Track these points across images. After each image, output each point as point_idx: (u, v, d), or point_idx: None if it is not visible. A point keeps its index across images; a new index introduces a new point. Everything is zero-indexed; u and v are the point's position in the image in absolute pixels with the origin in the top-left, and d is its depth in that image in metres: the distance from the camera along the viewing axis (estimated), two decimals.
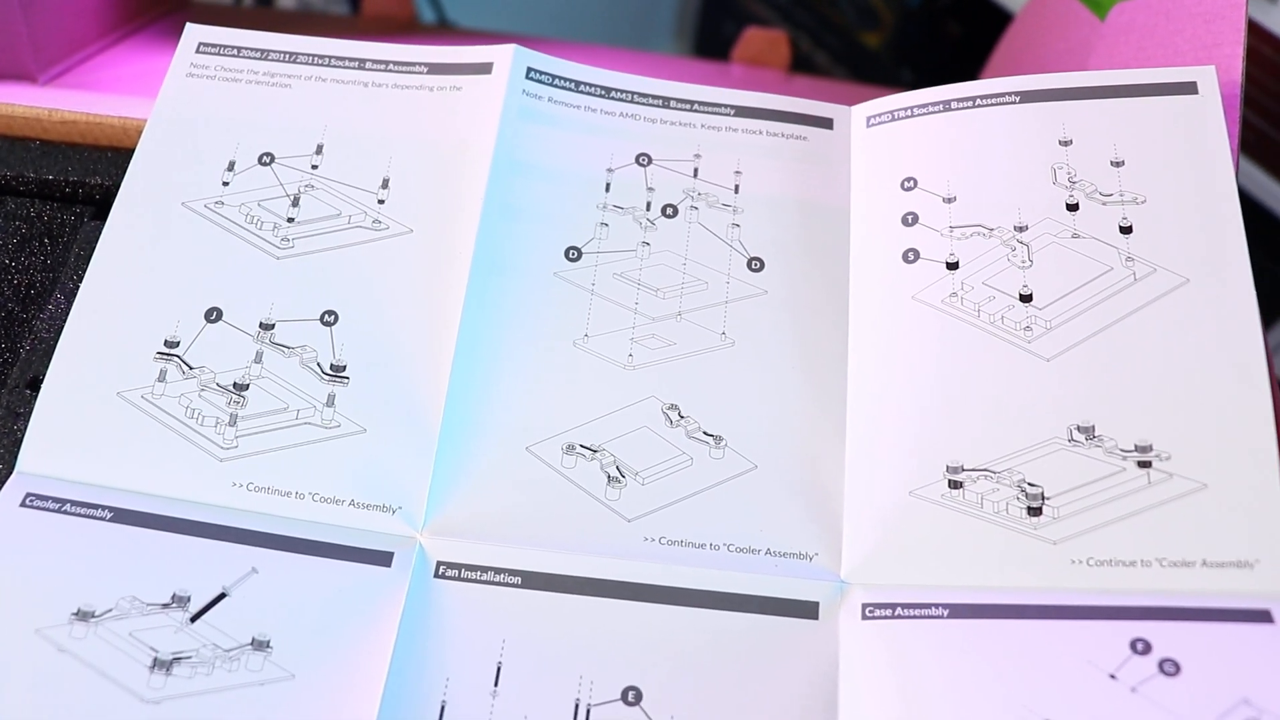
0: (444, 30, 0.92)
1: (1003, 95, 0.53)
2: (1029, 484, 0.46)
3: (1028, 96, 0.53)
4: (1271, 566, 0.43)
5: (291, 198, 0.52)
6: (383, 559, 0.45)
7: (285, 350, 0.49)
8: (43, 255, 0.55)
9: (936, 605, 0.45)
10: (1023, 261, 0.50)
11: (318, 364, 0.48)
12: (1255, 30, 0.85)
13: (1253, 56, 0.87)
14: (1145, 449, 0.45)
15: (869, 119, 0.55)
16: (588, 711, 0.43)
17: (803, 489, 0.47)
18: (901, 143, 0.54)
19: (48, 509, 0.45)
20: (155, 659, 0.43)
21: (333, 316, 0.49)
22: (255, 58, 0.54)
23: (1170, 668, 0.42)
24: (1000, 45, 0.85)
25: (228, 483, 0.46)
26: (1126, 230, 0.49)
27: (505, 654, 0.44)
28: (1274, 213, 0.91)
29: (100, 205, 0.56)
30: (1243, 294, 0.47)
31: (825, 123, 0.55)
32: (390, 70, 0.54)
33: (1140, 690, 0.42)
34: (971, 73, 1.04)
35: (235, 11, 0.88)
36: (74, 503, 0.45)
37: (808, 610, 0.45)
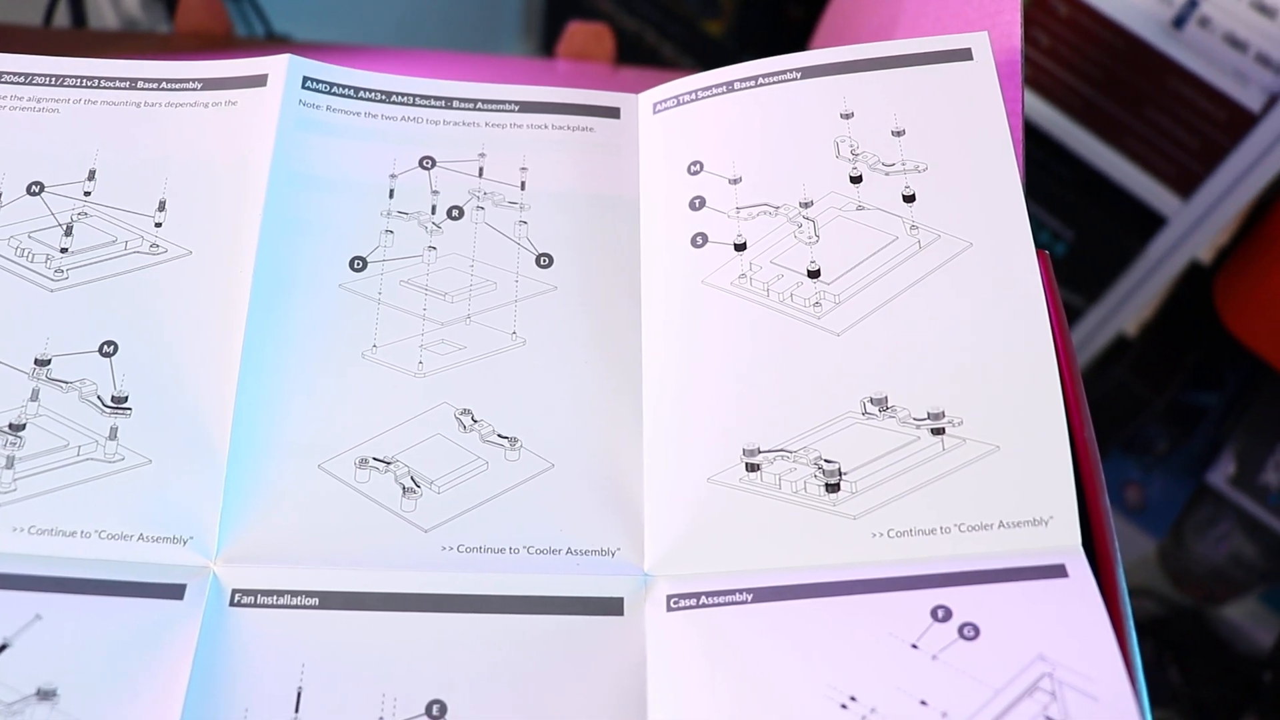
0: (272, 44, 0.90)
1: (784, 72, 0.53)
2: (825, 460, 0.46)
3: (809, 72, 0.53)
4: (1064, 522, 0.44)
5: (64, 227, 0.50)
6: (175, 592, 0.44)
7: (63, 385, 0.47)
8: None
9: (740, 590, 0.44)
10: (809, 237, 0.49)
11: (98, 397, 0.47)
12: (1075, 2, 0.87)
13: (1074, 27, 0.89)
14: (938, 416, 0.46)
15: (655, 105, 0.55)
16: None
17: (602, 485, 0.47)
18: (687, 127, 0.53)
19: None
20: None
21: (112, 347, 0.48)
22: (18, 82, 0.52)
23: (970, 631, 0.42)
24: (820, 27, 0.86)
25: (7, 528, 0.44)
26: (910, 199, 0.49)
27: (305, 678, 0.43)
28: (1109, 177, 0.93)
29: None
30: (1023, 253, 0.47)
31: (612, 112, 0.55)
32: (163, 89, 0.53)
33: (941, 657, 0.42)
34: None
35: (41, 34, 0.85)
36: None
37: (612, 607, 0.45)
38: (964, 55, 0.52)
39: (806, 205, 0.50)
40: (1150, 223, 0.93)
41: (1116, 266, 0.96)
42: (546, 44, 1.31)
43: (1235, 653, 1.05)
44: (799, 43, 1.11)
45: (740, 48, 1.17)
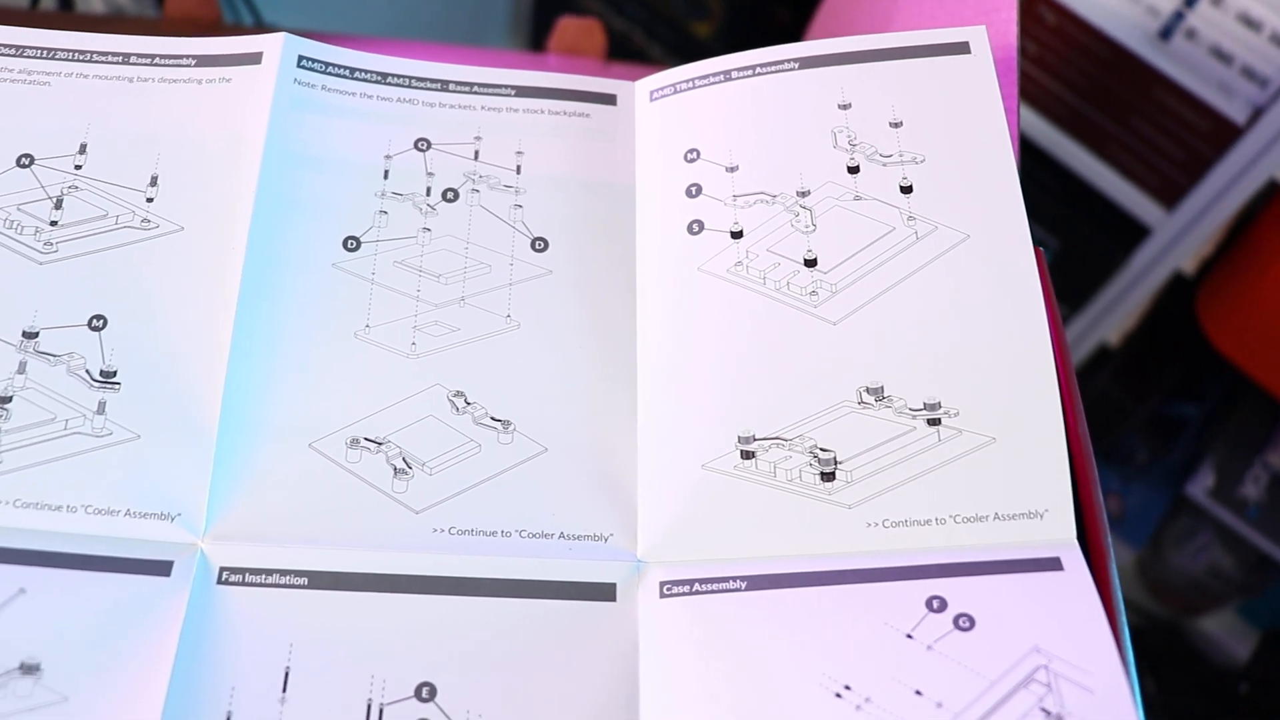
0: (261, 32, 0.89)
1: (782, 62, 0.53)
2: (821, 449, 0.45)
3: (807, 62, 0.52)
4: (1060, 515, 0.44)
5: (54, 200, 0.49)
6: (161, 569, 0.43)
7: (51, 359, 0.46)
8: None
9: (734, 578, 0.44)
10: (806, 226, 0.49)
11: (86, 371, 0.46)
12: (1062, 11, 0.87)
13: (1062, 35, 0.89)
14: (934, 406, 0.46)
15: (652, 93, 0.54)
16: (380, 711, 0.42)
17: (595, 469, 0.46)
18: (684, 115, 0.53)
19: None
20: None
21: (101, 321, 0.47)
22: (10, 54, 0.52)
23: (965, 622, 0.42)
24: (812, 25, 0.86)
25: None
26: (907, 190, 0.49)
27: (293, 658, 0.42)
28: (1094, 186, 0.93)
29: None
30: (1020, 246, 0.48)
31: (608, 99, 0.55)
32: (156, 64, 0.52)
33: (936, 647, 0.42)
34: None
35: (29, 15, 0.84)
36: None
37: (605, 592, 0.44)
38: (962, 49, 0.52)
39: (804, 194, 0.50)
40: (1134, 233, 0.93)
41: (1100, 276, 0.97)
42: (535, 42, 1.31)
43: (1212, 664, 1.06)
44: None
45: (727, 50, 1.17)
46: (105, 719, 0.40)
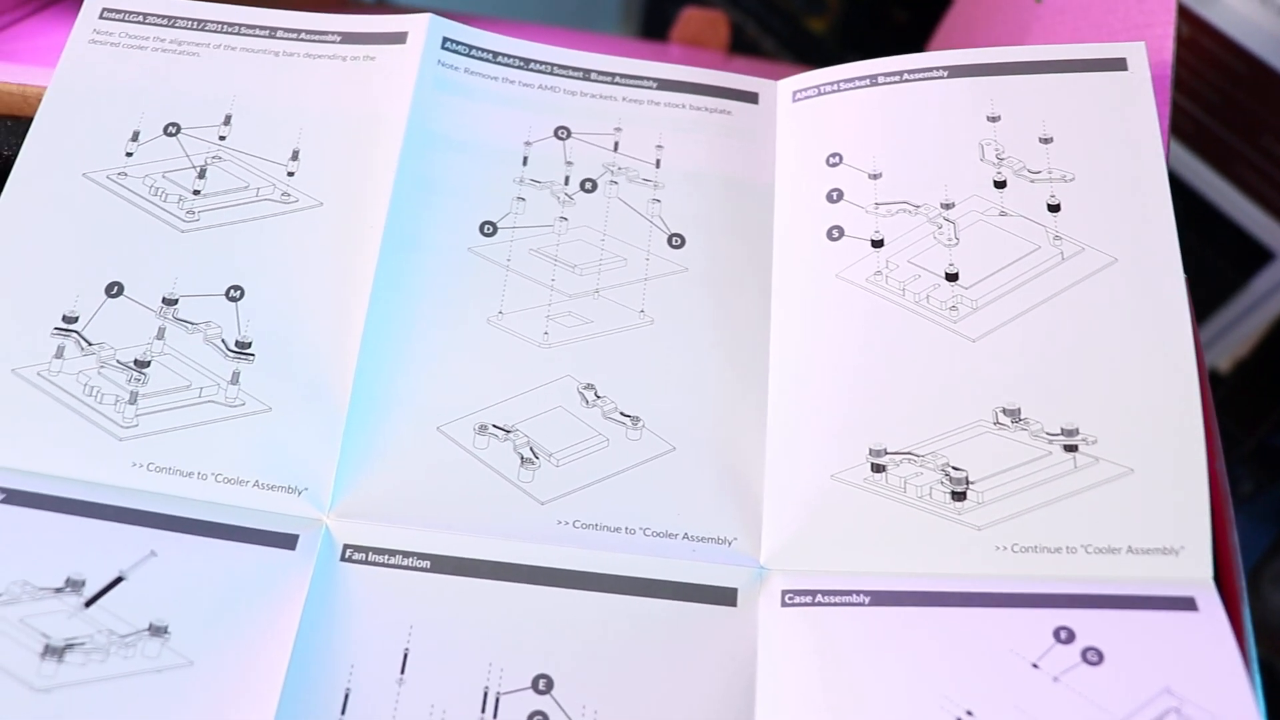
0: (405, 11, 0.89)
1: (931, 70, 0.52)
2: (953, 468, 0.45)
3: (956, 71, 0.51)
4: (1196, 553, 0.42)
5: (198, 169, 0.50)
6: (287, 541, 0.44)
7: (189, 326, 0.47)
8: None
9: (858, 592, 0.43)
10: (949, 239, 0.48)
11: (222, 340, 0.47)
12: (1196, 22, 0.85)
13: (1194, 48, 0.87)
14: (1072, 432, 0.45)
15: (795, 93, 0.54)
16: (496, 700, 0.42)
17: (722, 472, 0.46)
18: (827, 118, 0.52)
19: None
20: (47, 646, 0.41)
21: (238, 292, 0.47)
22: (161, 24, 0.52)
23: (1093, 656, 0.41)
24: (939, 29, 0.84)
25: (127, 463, 0.44)
26: (1055, 208, 0.48)
27: (412, 640, 0.42)
28: (1216, 206, 0.91)
29: None
30: (1171, 274, 0.46)
31: (750, 97, 0.54)
32: (302, 39, 0.53)
33: (1063, 679, 0.41)
34: None
35: None
36: None
37: (726, 597, 0.44)
38: (1118, 65, 0.50)
39: (948, 206, 0.49)
40: (1256, 257, 0.91)
41: (1216, 299, 0.94)
42: (645, 29, 1.30)
43: None
44: (902, 45, 1.09)
45: (842, 47, 1.15)
46: (228, 687, 0.41)
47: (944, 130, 0.51)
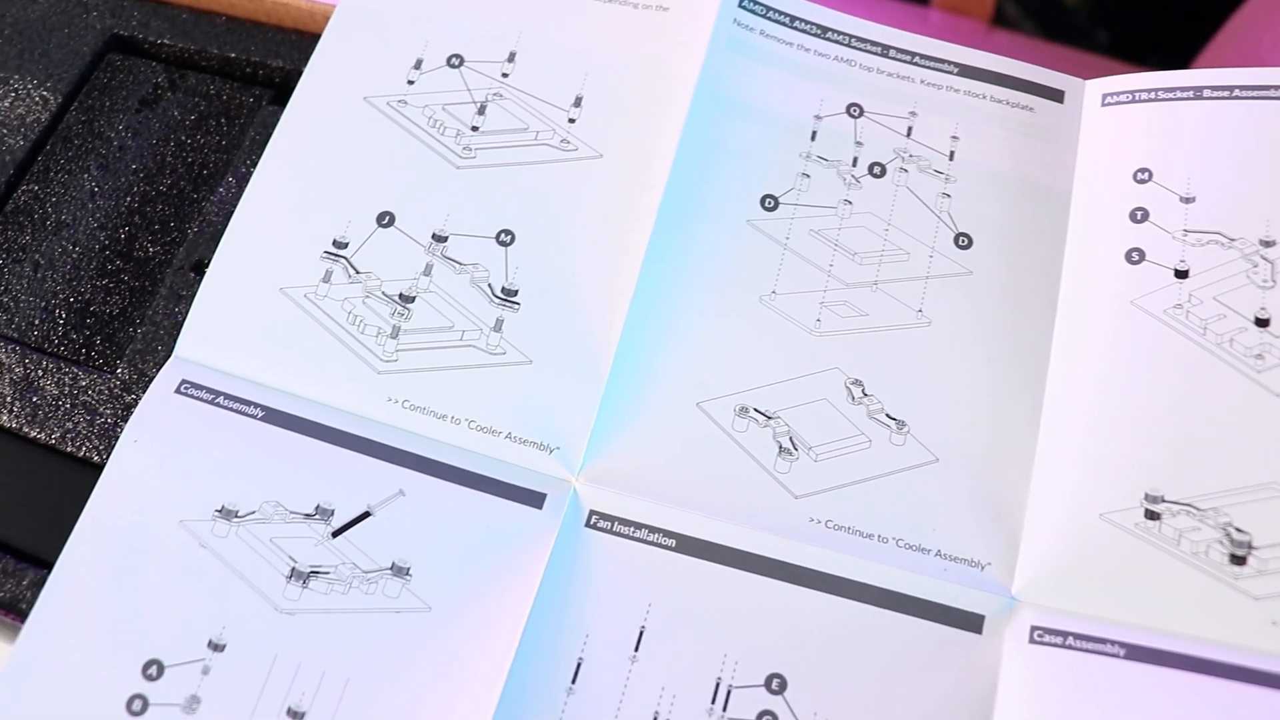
0: None
1: (1268, 88, 0.48)
2: (1236, 529, 0.42)
3: None
4: None
5: (478, 105, 0.49)
6: (535, 499, 0.43)
7: (456, 266, 0.46)
8: (218, 135, 0.53)
9: (1113, 642, 0.41)
10: (1264, 281, 0.45)
11: (489, 285, 0.46)
12: None
13: None
14: None
15: (1105, 97, 0.50)
16: (728, 693, 0.41)
17: (984, 492, 0.44)
18: (1139, 128, 0.49)
19: (201, 399, 0.44)
20: (293, 569, 0.41)
21: (509, 236, 0.47)
22: None
23: None
24: (1220, 33, 0.79)
25: (383, 397, 0.44)
26: None
27: (650, 618, 0.42)
28: None
29: (279, 89, 0.54)
30: None
31: (1055, 94, 0.51)
32: None
33: None
34: (1174, 42, 0.97)
35: None
36: (227, 396, 0.44)
37: (972, 623, 0.42)
38: None
39: (1267, 244, 0.46)
40: None
41: None
42: None
43: None
44: (1159, 24, 1.03)
45: (1094, 20, 1.09)
46: (464, 638, 0.41)
47: (1275, 158, 0.47)
